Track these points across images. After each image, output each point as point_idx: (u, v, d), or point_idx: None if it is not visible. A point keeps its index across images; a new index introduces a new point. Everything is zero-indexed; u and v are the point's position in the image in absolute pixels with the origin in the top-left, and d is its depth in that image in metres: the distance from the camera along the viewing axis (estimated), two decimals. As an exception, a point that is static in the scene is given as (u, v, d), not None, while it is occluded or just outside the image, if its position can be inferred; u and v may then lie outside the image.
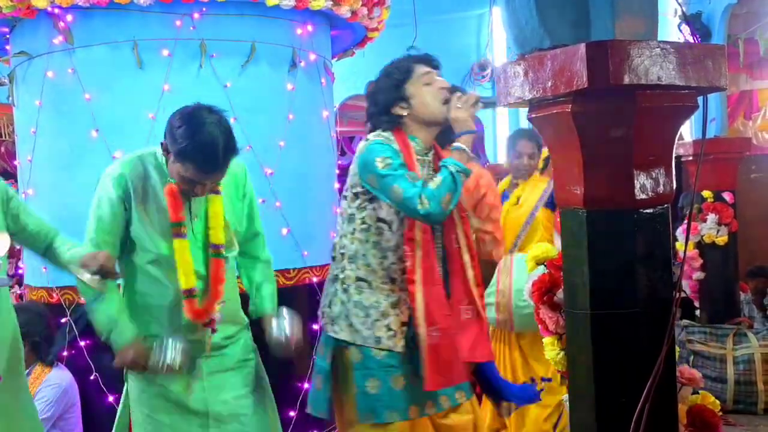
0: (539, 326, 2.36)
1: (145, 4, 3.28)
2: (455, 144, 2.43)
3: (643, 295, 1.81)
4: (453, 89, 2.52)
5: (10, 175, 5.16)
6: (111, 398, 3.34)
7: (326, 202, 3.97)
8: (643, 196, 1.81)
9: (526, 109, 1.99)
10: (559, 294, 2.18)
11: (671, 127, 1.86)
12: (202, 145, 2.32)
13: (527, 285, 2.54)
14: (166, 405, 2.53)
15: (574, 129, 1.78)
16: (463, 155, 2.41)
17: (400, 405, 2.46)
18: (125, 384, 2.65)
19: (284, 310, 2.66)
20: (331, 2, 3.62)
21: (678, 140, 1.94)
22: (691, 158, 6.04)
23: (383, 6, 3.99)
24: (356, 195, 2.52)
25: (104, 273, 2.33)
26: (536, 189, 3.97)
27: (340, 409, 2.56)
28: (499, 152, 9.56)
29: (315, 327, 3.34)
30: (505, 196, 4.03)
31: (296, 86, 3.65)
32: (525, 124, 6.55)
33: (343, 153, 7.62)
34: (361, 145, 2.52)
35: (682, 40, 2.33)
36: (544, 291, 2.31)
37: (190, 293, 2.47)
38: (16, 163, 3.99)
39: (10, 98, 3.85)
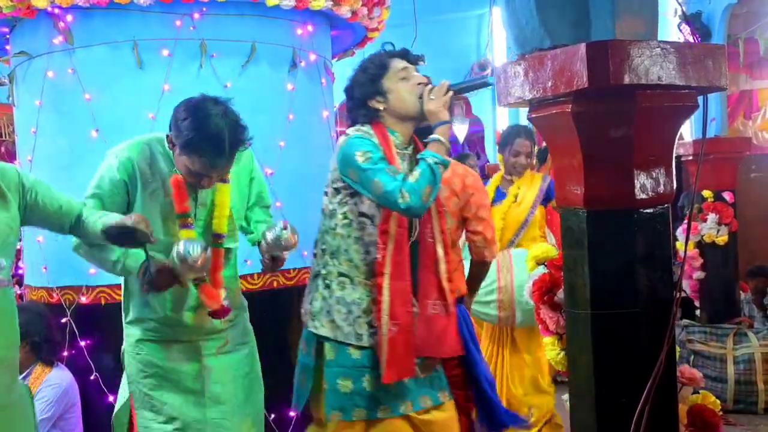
0: (539, 326, 2.37)
1: (145, 4, 3.28)
2: (432, 135, 2.41)
3: (644, 295, 1.81)
4: (426, 82, 2.48)
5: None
6: (111, 398, 3.33)
7: (326, 203, 3.95)
8: (643, 196, 1.81)
9: (526, 109, 1.99)
10: (560, 294, 2.18)
11: (671, 127, 1.86)
12: (207, 137, 2.29)
13: (528, 284, 2.54)
14: (164, 384, 2.56)
15: (574, 129, 1.78)
16: (441, 147, 2.38)
17: (370, 405, 2.46)
18: (123, 370, 2.66)
19: (280, 221, 2.68)
20: (331, 2, 3.61)
21: (678, 140, 1.94)
22: (691, 158, 6.05)
23: (383, 6, 3.99)
24: (337, 190, 2.51)
25: (141, 235, 2.22)
26: (533, 186, 3.99)
27: (314, 404, 2.56)
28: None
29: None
30: (500, 194, 4.04)
31: (296, 86, 3.65)
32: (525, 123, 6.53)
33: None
34: (341, 140, 2.50)
35: (682, 40, 2.33)
36: (544, 291, 2.31)
37: (200, 279, 2.49)
38: (16, 163, 3.98)
39: (10, 98, 3.84)
